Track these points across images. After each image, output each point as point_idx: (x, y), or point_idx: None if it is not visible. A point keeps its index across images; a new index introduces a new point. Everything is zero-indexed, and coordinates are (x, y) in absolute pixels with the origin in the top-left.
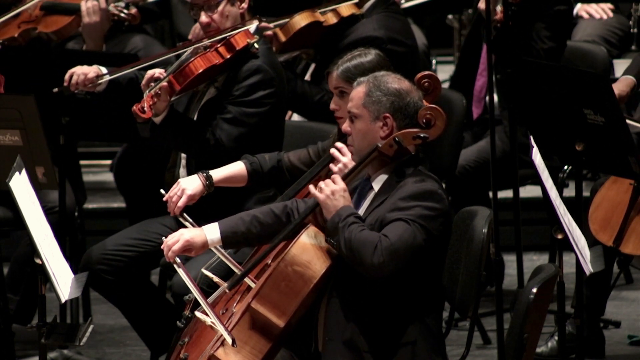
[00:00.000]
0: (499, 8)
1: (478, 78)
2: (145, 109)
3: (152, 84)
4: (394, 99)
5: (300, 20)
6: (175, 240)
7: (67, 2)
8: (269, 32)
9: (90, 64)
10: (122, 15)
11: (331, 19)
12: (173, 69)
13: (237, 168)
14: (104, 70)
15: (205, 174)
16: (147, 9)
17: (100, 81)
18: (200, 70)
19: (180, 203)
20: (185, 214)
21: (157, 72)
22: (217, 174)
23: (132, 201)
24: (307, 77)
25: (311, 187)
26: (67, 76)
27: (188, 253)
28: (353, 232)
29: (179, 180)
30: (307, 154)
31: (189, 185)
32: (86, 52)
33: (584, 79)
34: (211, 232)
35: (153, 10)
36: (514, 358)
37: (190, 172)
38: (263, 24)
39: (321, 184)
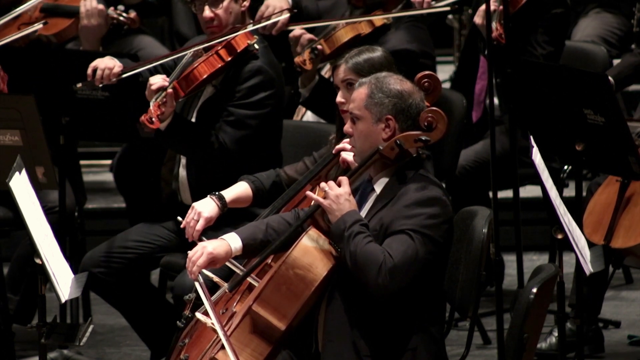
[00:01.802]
0: (494, 25)
1: (477, 81)
2: (154, 119)
3: (159, 93)
4: (396, 100)
5: (344, 35)
6: (199, 255)
7: (67, 4)
8: (319, 46)
9: (89, 64)
10: (121, 18)
11: (366, 29)
12: (176, 75)
13: (243, 189)
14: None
15: (217, 195)
16: (147, 3)
17: (124, 75)
18: (205, 76)
19: (199, 227)
20: (203, 238)
21: (161, 80)
22: (228, 195)
23: (132, 201)
24: (324, 73)
25: (309, 193)
26: (89, 71)
27: (213, 266)
28: (358, 245)
29: (193, 205)
30: (304, 164)
31: (204, 208)
32: (86, 52)
33: (584, 79)
34: (233, 241)
35: (154, 5)
36: (514, 358)
37: (190, 172)
38: (307, 35)
39: (325, 187)
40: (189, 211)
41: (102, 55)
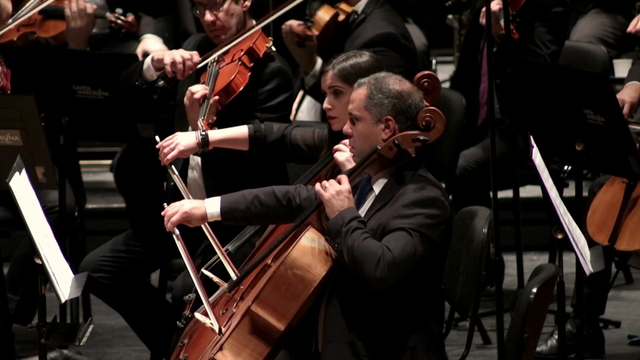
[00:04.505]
0: (503, 23)
1: (481, 83)
2: None
3: (203, 106)
4: (395, 101)
5: (324, 14)
6: (175, 211)
7: (64, 6)
8: (300, 28)
9: (90, 64)
10: (119, 22)
11: (341, 14)
12: (212, 87)
13: (238, 132)
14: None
15: (202, 133)
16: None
17: (200, 65)
18: (242, 87)
19: (170, 156)
20: (173, 166)
21: (202, 88)
22: (216, 134)
23: (132, 201)
24: None
25: (317, 185)
26: (168, 68)
27: (187, 224)
28: (356, 241)
29: (177, 133)
30: (312, 136)
31: (183, 140)
32: (87, 52)
33: (584, 79)
34: (212, 206)
35: (159, 3)
36: (514, 358)
37: (205, 174)
38: (297, 26)
39: (325, 182)
40: (170, 137)
41: (102, 55)
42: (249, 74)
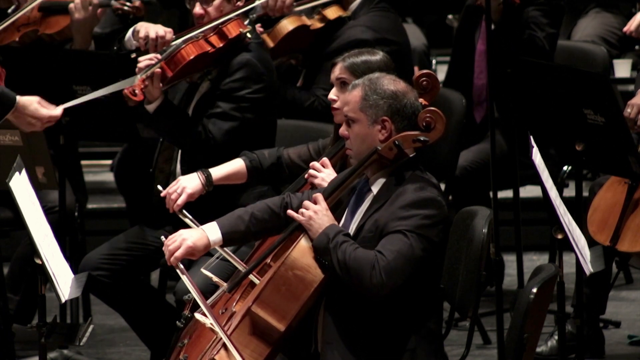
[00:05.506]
0: None
1: (475, 81)
2: (137, 92)
3: (146, 69)
4: (391, 101)
5: (287, 24)
6: (177, 246)
7: (64, 1)
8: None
9: (90, 64)
10: (126, 8)
11: (318, 23)
12: (165, 56)
13: (236, 166)
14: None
15: (205, 174)
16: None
17: (174, 43)
18: (192, 57)
19: (180, 201)
20: (184, 211)
21: (147, 59)
22: (217, 172)
23: (132, 201)
24: (299, 83)
25: (289, 212)
26: (142, 42)
27: (191, 257)
28: (346, 253)
29: (179, 177)
30: (307, 151)
31: (188, 183)
32: (87, 52)
33: (584, 79)
34: (212, 232)
35: None
36: (514, 358)
37: (183, 169)
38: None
39: (305, 204)
40: (173, 183)
41: (101, 55)
42: (210, 50)
